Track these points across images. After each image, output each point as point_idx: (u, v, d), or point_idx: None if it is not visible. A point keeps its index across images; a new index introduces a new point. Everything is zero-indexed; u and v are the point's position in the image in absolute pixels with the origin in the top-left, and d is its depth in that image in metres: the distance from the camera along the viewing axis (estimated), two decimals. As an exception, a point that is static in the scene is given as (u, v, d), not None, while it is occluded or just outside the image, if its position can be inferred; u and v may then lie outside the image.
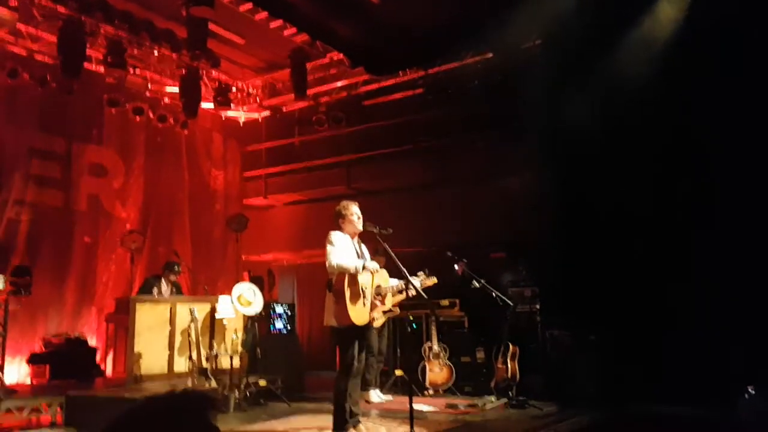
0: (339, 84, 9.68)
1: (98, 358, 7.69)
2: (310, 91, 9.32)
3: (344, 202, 5.09)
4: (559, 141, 7.00)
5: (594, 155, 6.72)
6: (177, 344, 6.83)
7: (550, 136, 7.10)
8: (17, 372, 7.26)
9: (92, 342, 7.89)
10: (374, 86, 9.53)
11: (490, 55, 8.38)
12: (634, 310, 6.12)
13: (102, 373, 7.64)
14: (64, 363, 7.08)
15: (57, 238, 8.28)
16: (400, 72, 9.09)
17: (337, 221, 4.98)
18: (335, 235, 4.83)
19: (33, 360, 7.14)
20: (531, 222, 7.32)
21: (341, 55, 8.77)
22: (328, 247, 4.74)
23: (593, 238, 6.67)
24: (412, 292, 5.78)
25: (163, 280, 7.46)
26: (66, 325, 7.95)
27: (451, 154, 8.87)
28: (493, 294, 6.61)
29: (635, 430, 5.13)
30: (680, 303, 5.87)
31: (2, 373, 5.95)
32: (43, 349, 7.30)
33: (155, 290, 7.34)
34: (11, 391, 5.89)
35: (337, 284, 4.70)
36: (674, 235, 6.19)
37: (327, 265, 4.71)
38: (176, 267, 7.54)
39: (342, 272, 4.68)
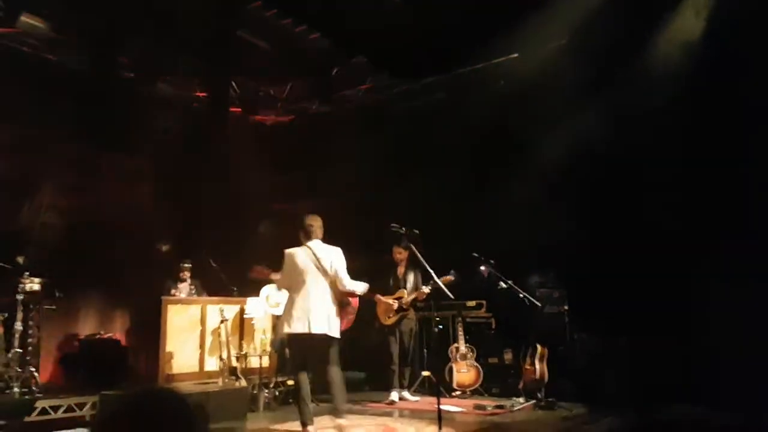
0: (363, 88, 9.70)
1: (130, 358, 7.82)
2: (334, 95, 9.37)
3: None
4: (586, 143, 6.95)
5: (622, 158, 6.69)
6: (207, 344, 6.93)
7: (577, 137, 7.05)
8: (52, 372, 7.43)
9: (124, 342, 8.02)
10: (398, 92, 9.50)
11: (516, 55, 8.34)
12: (664, 313, 6.04)
13: (134, 373, 7.77)
14: (98, 363, 7.22)
15: (90, 242, 8.45)
16: (423, 77, 9.07)
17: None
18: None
19: (67, 360, 7.31)
20: (559, 224, 7.28)
21: (365, 60, 8.79)
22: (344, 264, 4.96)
23: (623, 240, 6.61)
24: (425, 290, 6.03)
25: (182, 281, 7.60)
26: (99, 326, 8.12)
27: (478, 160, 8.83)
28: (521, 295, 6.60)
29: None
30: (711, 306, 5.78)
31: (37, 372, 6.09)
32: (77, 349, 7.46)
33: (174, 291, 7.48)
34: (46, 391, 6.03)
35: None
36: (705, 238, 6.10)
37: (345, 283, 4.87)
38: (186, 265, 7.68)
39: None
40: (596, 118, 6.57)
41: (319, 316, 4.72)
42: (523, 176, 7.25)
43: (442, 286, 5.45)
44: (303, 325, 4.69)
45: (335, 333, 4.80)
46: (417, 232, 5.35)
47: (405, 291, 6.87)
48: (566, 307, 7.32)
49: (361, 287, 5.02)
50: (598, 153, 6.77)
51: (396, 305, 6.80)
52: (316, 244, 4.98)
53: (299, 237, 5.08)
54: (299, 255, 4.93)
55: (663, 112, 6.32)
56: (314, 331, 4.68)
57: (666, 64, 6.34)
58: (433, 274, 5.28)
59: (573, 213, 7.10)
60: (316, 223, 5.06)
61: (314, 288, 4.79)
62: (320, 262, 4.86)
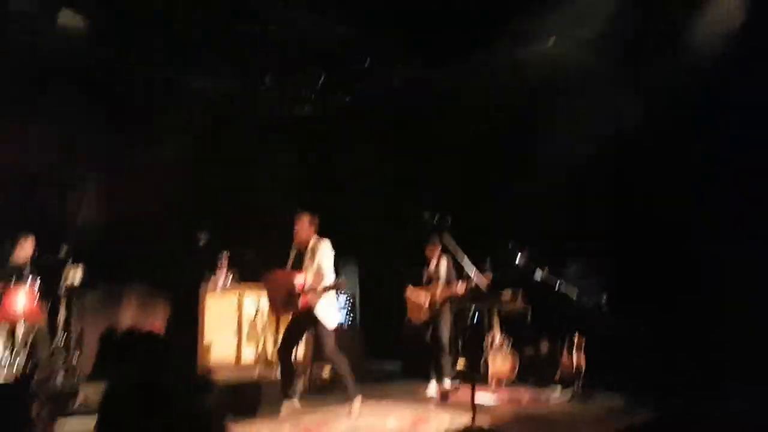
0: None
1: (170, 347, 7.99)
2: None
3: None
4: (623, 126, 6.80)
5: (658, 144, 6.53)
6: (244, 333, 7.03)
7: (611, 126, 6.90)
8: (94, 360, 7.62)
9: (164, 332, 8.19)
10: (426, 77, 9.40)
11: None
12: (707, 301, 5.88)
13: (173, 362, 7.94)
14: (138, 352, 7.38)
15: (130, 233, 8.65)
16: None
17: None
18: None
19: (108, 349, 7.50)
20: (598, 211, 7.15)
21: (394, 47, 8.71)
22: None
23: (661, 226, 6.45)
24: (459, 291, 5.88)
25: (219, 271, 7.70)
26: (139, 315, 8.30)
27: (514, 144, 8.71)
28: (557, 284, 6.49)
29: (703, 426, 4.92)
30: (755, 295, 5.60)
31: (80, 360, 6.26)
32: (118, 338, 7.65)
33: (211, 281, 7.59)
34: (88, 379, 6.20)
35: None
36: (750, 220, 5.91)
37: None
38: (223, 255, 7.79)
39: None
40: (630, 101, 6.41)
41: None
42: (558, 161, 7.13)
43: (481, 286, 5.43)
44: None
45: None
46: (448, 219, 5.27)
47: (439, 284, 6.51)
48: (605, 297, 7.18)
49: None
50: (634, 136, 6.61)
51: (427, 303, 6.48)
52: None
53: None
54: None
55: (696, 98, 6.13)
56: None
57: (704, 49, 6.13)
58: (472, 273, 5.34)
59: (611, 199, 6.96)
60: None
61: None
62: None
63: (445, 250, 6.39)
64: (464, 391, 6.02)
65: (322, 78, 9.21)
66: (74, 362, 6.06)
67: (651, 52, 6.59)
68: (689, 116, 6.29)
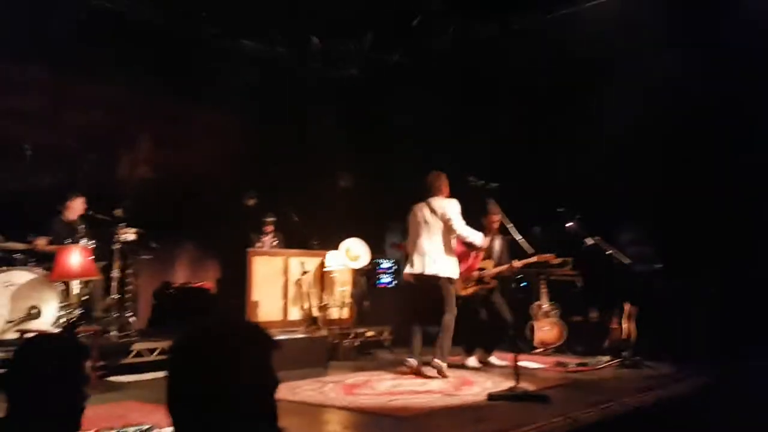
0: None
1: (220, 305, 8.19)
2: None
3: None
4: (677, 87, 6.48)
5: (713, 103, 6.20)
6: (290, 295, 7.13)
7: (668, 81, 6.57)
8: (147, 317, 7.90)
9: (214, 291, 8.40)
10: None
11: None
12: (761, 270, 5.61)
13: (224, 319, 8.15)
14: (189, 309, 7.61)
15: (182, 196, 8.85)
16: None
17: (443, 189, 5.60)
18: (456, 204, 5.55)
19: (161, 306, 7.75)
20: (650, 177, 6.87)
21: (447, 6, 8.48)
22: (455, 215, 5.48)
23: (716, 193, 6.17)
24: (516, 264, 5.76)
25: (266, 234, 7.81)
26: (191, 274, 8.54)
27: (566, 108, 8.42)
28: (609, 252, 6.30)
29: (750, 394, 4.72)
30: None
31: (134, 317, 6.47)
32: (171, 296, 7.89)
33: (258, 244, 7.70)
34: (142, 335, 6.42)
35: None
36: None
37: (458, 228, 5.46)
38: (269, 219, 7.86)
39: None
40: (687, 62, 6.08)
41: (429, 260, 5.47)
42: (611, 124, 6.85)
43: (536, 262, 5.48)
44: (417, 266, 5.53)
45: (448, 273, 5.48)
46: (496, 185, 5.16)
47: (491, 261, 6.24)
48: (659, 265, 6.93)
49: (477, 237, 5.58)
50: (688, 98, 6.29)
51: (476, 275, 6.19)
52: (433, 199, 5.59)
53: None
54: (416, 209, 5.67)
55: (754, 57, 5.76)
56: (427, 272, 5.46)
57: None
58: (529, 252, 5.63)
59: (666, 165, 6.67)
60: (433, 180, 5.65)
61: (426, 235, 5.52)
62: (434, 212, 5.51)
63: (502, 228, 6.07)
64: (512, 358, 5.96)
65: (370, 37, 9.09)
66: (128, 319, 6.26)
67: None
68: (743, 80, 5.94)
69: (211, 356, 1.20)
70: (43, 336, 2.27)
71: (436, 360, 5.32)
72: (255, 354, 1.22)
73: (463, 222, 5.51)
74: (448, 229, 5.48)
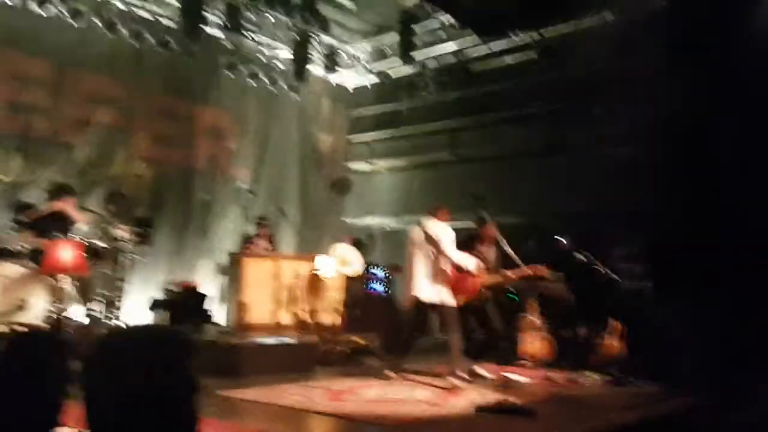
0: (447, 48, 9.51)
1: (212, 307, 8.18)
2: (417, 56, 9.25)
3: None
4: (678, 109, 6.51)
5: (715, 124, 6.23)
6: (281, 299, 7.12)
7: (670, 103, 6.61)
8: (138, 315, 7.88)
9: (206, 292, 8.38)
10: (483, 50, 9.27)
11: (611, 16, 7.86)
12: (753, 290, 5.64)
13: (210, 318, 8.12)
14: (181, 310, 7.58)
15: (178, 195, 8.87)
16: (511, 35, 8.74)
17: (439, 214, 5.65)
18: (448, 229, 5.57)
19: (154, 306, 7.72)
20: (646, 194, 6.90)
21: (450, 18, 8.57)
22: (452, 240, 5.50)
23: (712, 213, 6.19)
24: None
25: (258, 237, 7.80)
26: (183, 275, 8.52)
27: (562, 120, 8.49)
28: (599, 269, 6.33)
29: (736, 418, 4.75)
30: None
31: (124, 315, 6.44)
32: (163, 296, 7.86)
33: (251, 246, 7.69)
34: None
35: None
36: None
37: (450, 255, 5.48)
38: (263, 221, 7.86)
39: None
40: (691, 81, 6.12)
41: (422, 283, 5.51)
42: (609, 138, 6.89)
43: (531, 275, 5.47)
44: (413, 289, 5.59)
45: (441, 300, 5.49)
46: (485, 197, 5.23)
47: (485, 272, 6.18)
48: (649, 284, 6.97)
49: (470, 263, 5.62)
50: (690, 116, 6.32)
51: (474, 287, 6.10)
52: (429, 222, 5.66)
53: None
54: (413, 231, 5.75)
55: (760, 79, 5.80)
56: (420, 296, 5.52)
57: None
58: (522, 265, 5.82)
59: (664, 179, 6.70)
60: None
61: (419, 259, 5.56)
62: (428, 236, 5.54)
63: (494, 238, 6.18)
64: (498, 370, 5.97)
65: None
66: (118, 316, 6.24)
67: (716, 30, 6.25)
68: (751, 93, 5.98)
69: (122, 357, 1.20)
70: (23, 333, 2.27)
71: (457, 372, 5.45)
72: (169, 358, 1.22)
73: (454, 248, 5.55)
74: (440, 254, 5.52)
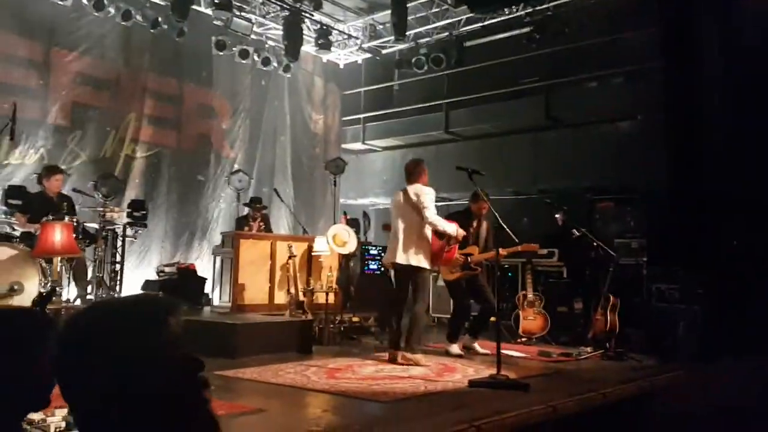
0: (440, 24, 9.40)
1: (207, 287, 8.17)
2: (410, 33, 9.14)
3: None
4: (677, 83, 6.46)
5: (714, 100, 6.18)
6: (277, 278, 7.11)
7: (668, 77, 6.56)
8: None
9: (201, 273, 8.37)
10: (477, 26, 9.17)
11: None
12: (748, 264, 5.64)
13: (210, 301, 8.12)
14: (176, 290, 7.56)
15: (170, 176, 8.80)
16: (505, 10, 8.64)
17: (421, 177, 5.51)
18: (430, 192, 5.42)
19: (147, 287, 7.70)
20: (642, 169, 6.88)
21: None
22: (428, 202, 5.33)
23: (708, 188, 6.18)
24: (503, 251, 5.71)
25: (254, 218, 7.76)
26: (178, 256, 8.50)
27: (558, 96, 8.44)
28: (595, 244, 6.33)
29: (732, 388, 4.77)
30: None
31: (119, 296, 6.42)
32: (157, 277, 7.84)
33: (246, 227, 7.66)
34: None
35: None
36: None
37: (428, 218, 5.30)
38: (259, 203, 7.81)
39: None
40: (684, 55, 6.07)
41: (401, 248, 5.36)
42: (603, 113, 6.85)
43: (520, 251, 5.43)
44: (389, 254, 5.52)
45: (416, 263, 5.34)
46: (483, 174, 5.17)
47: (477, 248, 6.15)
48: (644, 259, 6.98)
49: (448, 227, 5.45)
50: (683, 90, 6.28)
51: (462, 261, 6.06)
52: (410, 186, 5.50)
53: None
54: (396, 195, 5.59)
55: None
56: (397, 260, 5.36)
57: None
58: (516, 241, 5.63)
59: (657, 158, 6.68)
60: (413, 167, 5.61)
61: (401, 223, 5.43)
62: (409, 199, 5.41)
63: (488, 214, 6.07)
64: (493, 345, 5.97)
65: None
66: (112, 296, 6.22)
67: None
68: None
69: (97, 332, 1.12)
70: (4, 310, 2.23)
71: (407, 355, 5.21)
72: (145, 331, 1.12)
73: (435, 211, 5.39)
74: (422, 218, 5.35)
